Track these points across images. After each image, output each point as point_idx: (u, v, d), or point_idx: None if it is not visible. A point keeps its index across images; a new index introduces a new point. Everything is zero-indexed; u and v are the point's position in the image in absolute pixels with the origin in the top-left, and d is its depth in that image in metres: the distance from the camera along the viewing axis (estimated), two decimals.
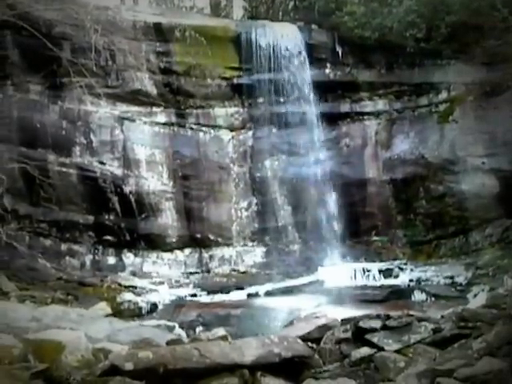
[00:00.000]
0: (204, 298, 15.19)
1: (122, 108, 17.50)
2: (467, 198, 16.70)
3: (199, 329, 11.60)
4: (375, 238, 18.15)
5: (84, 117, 17.04)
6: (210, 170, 18.07)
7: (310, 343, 7.92)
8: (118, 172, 17.22)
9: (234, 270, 17.53)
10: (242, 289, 15.63)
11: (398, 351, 7.20)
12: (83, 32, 14.82)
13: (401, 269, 15.98)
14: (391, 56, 18.05)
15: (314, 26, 19.26)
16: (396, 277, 15.53)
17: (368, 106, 18.66)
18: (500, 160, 16.18)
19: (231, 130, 18.53)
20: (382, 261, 16.98)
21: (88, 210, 17.01)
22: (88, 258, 16.97)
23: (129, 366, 6.60)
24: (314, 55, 18.54)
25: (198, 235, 17.80)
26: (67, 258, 16.75)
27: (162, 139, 17.87)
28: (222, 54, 18.07)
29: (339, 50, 18.50)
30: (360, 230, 18.20)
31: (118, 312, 13.47)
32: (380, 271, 15.79)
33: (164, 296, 15.10)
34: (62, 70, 15.70)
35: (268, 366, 7.01)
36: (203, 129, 18.27)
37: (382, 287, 14.64)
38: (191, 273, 17.34)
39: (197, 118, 18.23)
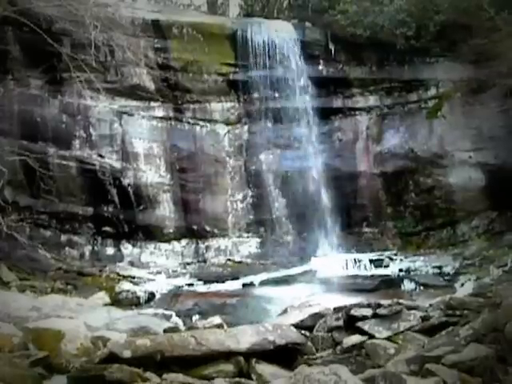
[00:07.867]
0: (200, 287, 15.41)
1: (120, 102, 17.70)
2: (455, 191, 17.11)
3: (196, 317, 11.86)
4: (366, 229, 18.47)
5: (83, 111, 17.26)
6: (206, 163, 18.31)
7: (303, 331, 8.28)
8: (117, 165, 17.47)
9: (230, 261, 17.79)
10: (237, 278, 15.88)
11: (388, 338, 7.55)
12: (83, 28, 15.00)
13: (391, 259, 16.33)
14: (382, 53, 18.29)
15: (307, 24, 19.52)
16: (386, 267, 15.83)
17: (360, 101, 18.89)
18: (486, 154, 16.55)
19: (227, 125, 18.75)
20: (372, 251, 17.23)
21: (87, 202, 17.24)
22: (87, 249, 17.24)
23: (127, 354, 6.94)
24: (308, 52, 18.72)
25: (195, 226, 18.06)
26: (67, 248, 17.03)
27: (159, 133, 18.11)
28: (219, 51, 18.30)
29: (332, 47, 18.69)
30: (351, 222, 18.52)
31: (117, 301, 13.79)
32: (371, 261, 16.06)
33: (161, 285, 15.34)
34: (62, 65, 15.88)
35: (262, 353, 7.33)
36: (200, 123, 18.49)
37: (372, 277, 14.88)
38: (188, 263, 17.61)
39: (193, 113, 18.44)
